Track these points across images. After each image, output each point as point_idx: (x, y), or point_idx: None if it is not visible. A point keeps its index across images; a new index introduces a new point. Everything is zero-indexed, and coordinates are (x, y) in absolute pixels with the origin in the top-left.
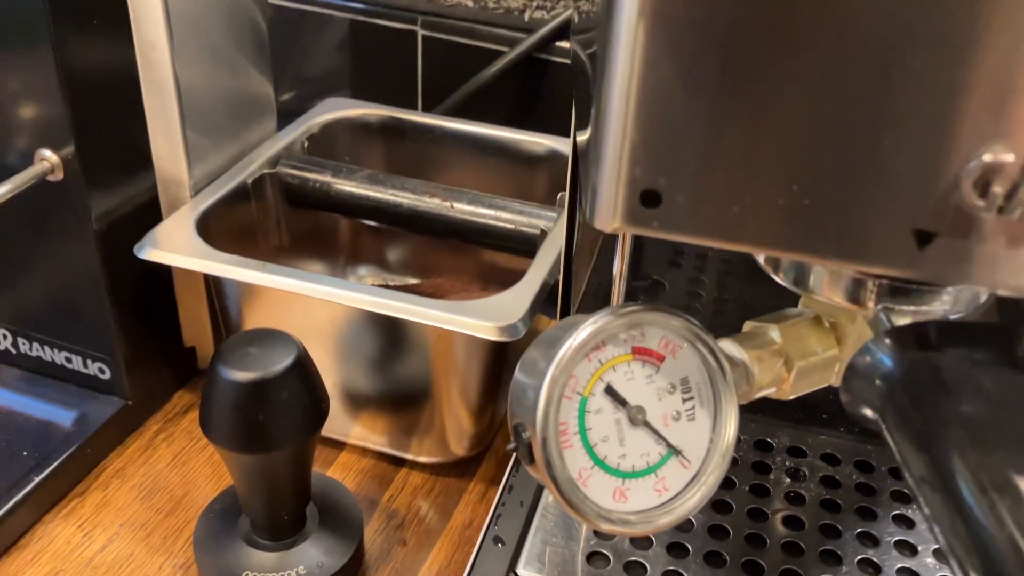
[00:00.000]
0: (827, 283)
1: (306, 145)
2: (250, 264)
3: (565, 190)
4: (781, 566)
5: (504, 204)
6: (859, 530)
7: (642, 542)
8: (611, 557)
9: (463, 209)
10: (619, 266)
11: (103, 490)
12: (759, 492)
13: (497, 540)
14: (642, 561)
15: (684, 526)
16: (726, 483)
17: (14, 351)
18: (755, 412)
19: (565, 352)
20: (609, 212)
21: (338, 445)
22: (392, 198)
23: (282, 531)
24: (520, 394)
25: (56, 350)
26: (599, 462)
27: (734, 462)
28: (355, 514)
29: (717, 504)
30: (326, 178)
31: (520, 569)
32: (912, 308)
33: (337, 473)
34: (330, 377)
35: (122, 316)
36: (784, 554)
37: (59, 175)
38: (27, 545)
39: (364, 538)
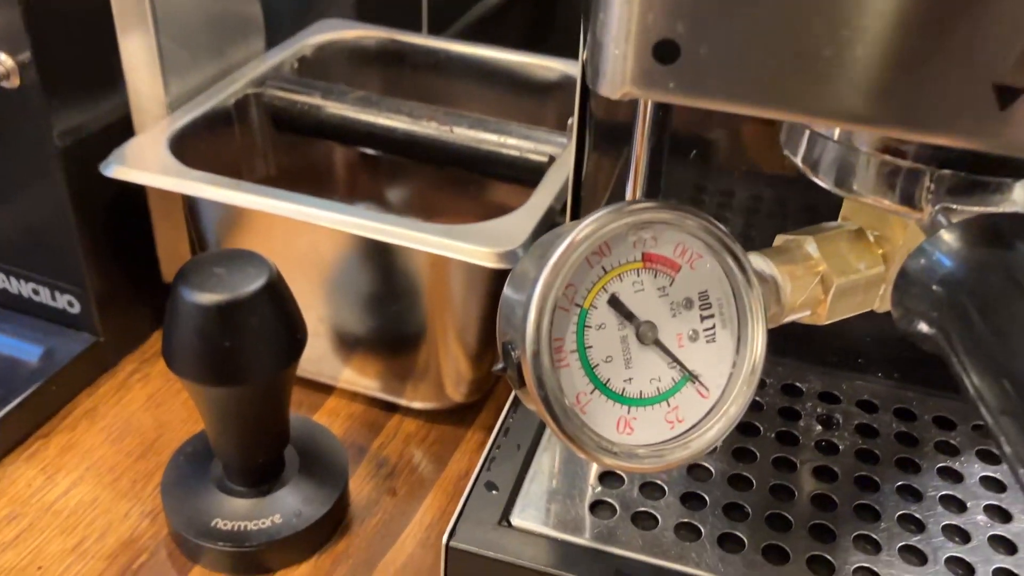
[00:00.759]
0: (876, 180)
1: (296, 67)
2: (225, 183)
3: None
4: (810, 520)
5: (509, 129)
6: (899, 483)
7: (653, 491)
8: (617, 507)
9: (464, 135)
10: (637, 152)
11: (70, 431)
12: (787, 440)
13: (490, 486)
14: (652, 512)
15: (701, 475)
16: (749, 430)
17: None
18: (782, 354)
19: (561, 253)
20: (617, 72)
21: (326, 389)
22: (386, 122)
23: (257, 476)
24: (509, 310)
25: (23, 281)
26: (601, 386)
27: (758, 407)
28: (339, 461)
29: (739, 452)
30: (315, 100)
31: (515, 518)
32: (977, 210)
33: (324, 419)
34: (316, 313)
35: (90, 244)
36: (813, 507)
37: (14, 82)
38: None
39: (350, 487)
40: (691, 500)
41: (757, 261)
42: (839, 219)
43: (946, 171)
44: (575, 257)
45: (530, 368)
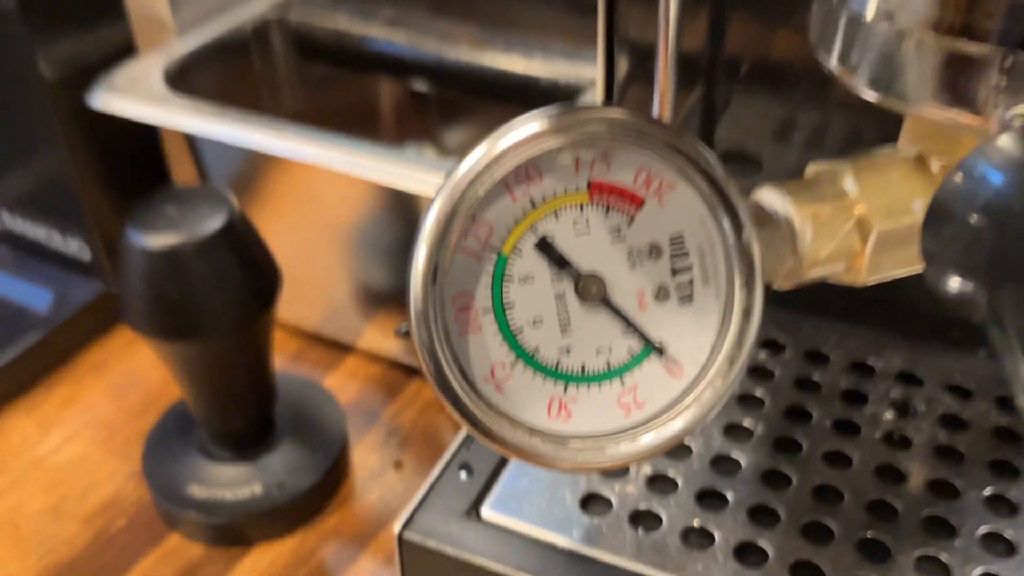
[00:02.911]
0: (926, 75)
1: None
2: (219, 115)
3: None
4: (860, 532)
5: (546, 50)
6: (988, 491)
7: (664, 485)
8: (614, 502)
9: (495, 59)
10: (663, 49)
11: (74, 385)
12: (846, 430)
13: (465, 468)
14: (657, 512)
15: (728, 467)
16: (799, 415)
17: (0, 227)
18: (855, 322)
19: (460, 178)
20: None
21: (345, 349)
22: (410, 47)
23: (239, 441)
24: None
25: (37, 225)
26: (526, 356)
27: (812, 387)
28: (336, 429)
29: (781, 443)
30: (340, 24)
31: (486, 509)
32: None
33: (339, 379)
34: (338, 268)
35: (96, 186)
36: (868, 516)
37: None
38: None
39: (351, 457)
40: (709, 498)
41: (770, 197)
42: (899, 143)
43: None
44: (485, 184)
45: (415, 331)
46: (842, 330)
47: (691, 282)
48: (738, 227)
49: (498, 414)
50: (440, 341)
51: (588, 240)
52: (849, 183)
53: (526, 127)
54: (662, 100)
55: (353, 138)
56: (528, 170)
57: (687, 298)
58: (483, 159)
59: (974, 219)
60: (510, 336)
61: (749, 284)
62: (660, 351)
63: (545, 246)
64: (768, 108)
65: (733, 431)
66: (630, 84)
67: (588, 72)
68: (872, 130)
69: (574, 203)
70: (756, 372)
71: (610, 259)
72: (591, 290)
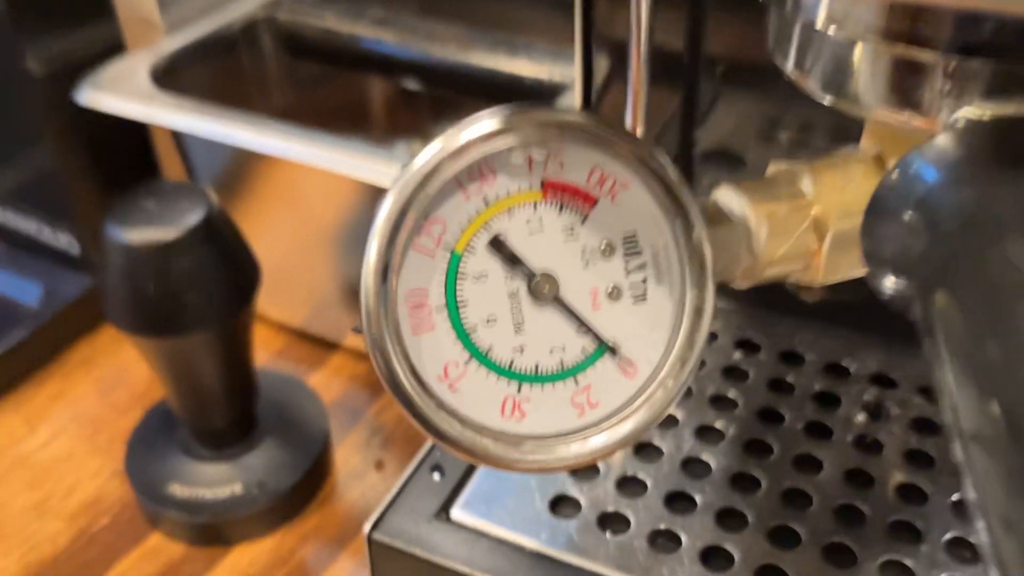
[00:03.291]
0: (875, 77)
1: None
2: (210, 113)
3: None
4: (827, 538)
5: (531, 50)
6: (956, 496)
7: (633, 487)
8: (583, 503)
9: (481, 58)
10: (635, 49)
11: (63, 380)
12: (818, 433)
13: (436, 469)
14: (625, 514)
15: (697, 471)
16: (771, 417)
17: None
18: (834, 323)
19: (412, 175)
20: None
21: (331, 346)
22: (399, 46)
23: (219, 439)
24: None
25: (27, 218)
26: (479, 355)
27: (786, 388)
28: (318, 428)
29: (752, 445)
30: (329, 23)
31: (455, 510)
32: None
33: (324, 377)
34: (323, 267)
35: (83, 181)
36: (835, 521)
37: None
38: None
39: (334, 456)
40: (678, 501)
41: (727, 196)
42: (861, 144)
43: (968, 59)
44: (438, 181)
45: (366, 328)
46: (818, 330)
47: (644, 281)
48: (688, 227)
49: (449, 414)
50: (392, 339)
51: (541, 238)
52: (806, 183)
53: (478, 126)
54: (635, 100)
55: (337, 136)
56: (481, 168)
57: (640, 297)
58: (435, 157)
59: (908, 216)
60: (463, 335)
61: (700, 283)
62: (613, 351)
63: (497, 244)
64: (751, 106)
65: (704, 433)
66: (611, 83)
67: (572, 71)
68: (857, 127)
69: (527, 201)
70: (730, 373)
71: (563, 258)
72: (544, 289)
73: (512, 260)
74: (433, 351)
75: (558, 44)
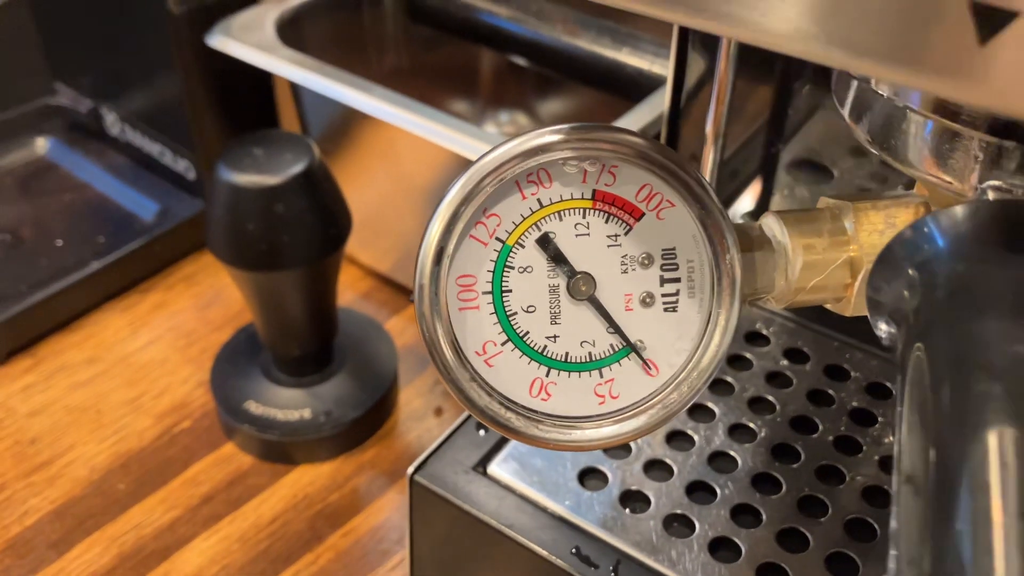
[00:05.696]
0: (919, 143)
1: None
2: (319, 69)
3: None
4: (833, 547)
5: (636, 40)
6: None
7: (660, 471)
8: (609, 478)
9: (587, 42)
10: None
11: (166, 292)
12: (847, 447)
13: (481, 426)
14: (647, 494)
15: (724, 465)
16: (804, 425)
17: (122, 139)
18: (881, 346)
19: (478, 169)
20: None
21: (411, 295)
22: (511, 21)
23: (297, 367)
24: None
25: (153, 141)
26: (516, 338)
27: (825, 400)
28: (388, 370)
29: (779, 448)
30: None
31: (493, 466)
32: None
33: (400, 322)
34: (410, 221)
35: (205, 114)
36: (844, 533)
37: None
38: (79, 328)
39: (399, 397)
40: (699, 491)
41: (771, 224)
42: (916, 187)
43: (996, 139)
44: (495, 181)
45: (418, 299)
46: (870, 353)
47: (677, 293)
48: (724, 250)
49: (480, 386)
50: (438, 313)
51: (587, 242)
52: (848, 221)
53: (542, 138)
54: (718, 107)
55: (440, 103)
56: (539, 174)
57: (671, 307)
58: (499, 159)
59: (909, 273)
60: (504, 319)
61: (728, 303)
62: (638, 351)
63: (544, 241)
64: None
65: (737, 431)
66: (705, 83)
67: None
68: None
69: (578, 207)
70: (774, 378)
71: (604, 262)
72: (581, 288)
73: (556, 258)
74: (475, 329)
75: (662, 37)
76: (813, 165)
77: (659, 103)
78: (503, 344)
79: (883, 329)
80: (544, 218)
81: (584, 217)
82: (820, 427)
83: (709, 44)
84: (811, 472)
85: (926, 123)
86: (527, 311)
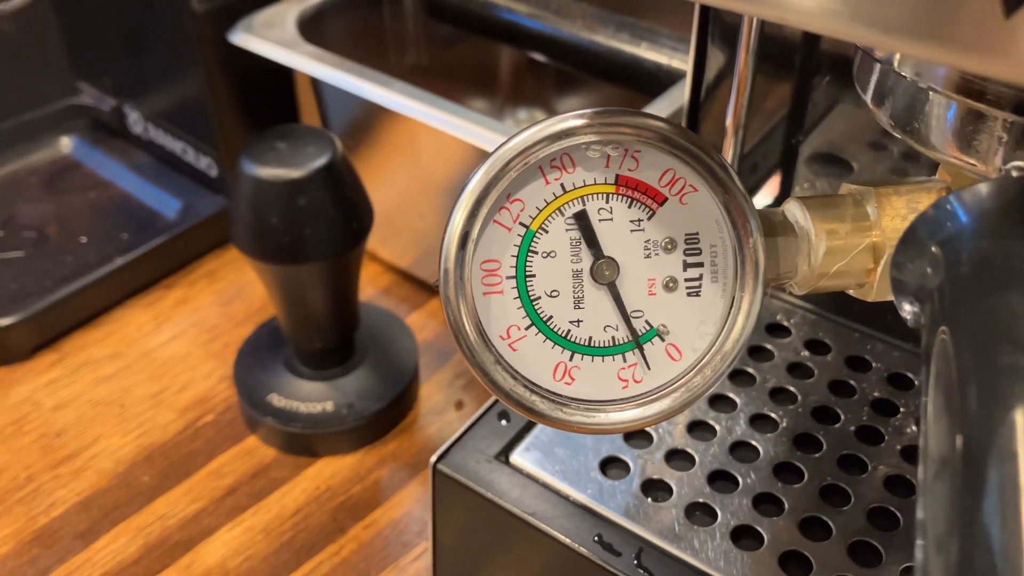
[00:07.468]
0: (940, 124)
1: None
2: (339, 65)
3: None
4: (855, 536)
5: (654, 35)
6: None
7: (682, 460)
8: (632, 467)
9: (605, 38)
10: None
11: (189, 288)
12: (869, 437)
13: (503, 416)
14: (669, 483)
15: (745, 455)
16: (826, 415)
17: (145, 137)
18: (903, 336)
19: (497, 157)
20: None
21: (431, 290)
22: (530, 18)
23: (319, 361)
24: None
25: (175, 139)
26: (540, 323)
27: (847, 390)
28: (410, 363)
29: (801, 438)
30: None
31: (515, 455)
32: None
33: (421, 317)
34: (431, 216)
35: (227, 111)
36: (867, 522)
37: None
38: (103, 324)
39: (420, 391)
40: (721, 480)
41: (793, 209)
42: (938, 172)
43: (1020, 119)
44: (519, 166)
45: (443, 284)
46: (892, 344)
47: (700, 278)
48: (747, 235)
49: (505, 369)
50: (463, 298)
51: (610, 226)
52: (871, 206)
53: (565, 122)
54: (738, 99)
55: (460, 99)
56: (563, 159)
57: (695, 292)
58: (522, 144)
59: (932, 251)
60: (528, 303)
61: (751, 287)
62: (661, 335)
63: (581, 218)
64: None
65: (759, 421)
66: (724, 77)
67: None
68: None
69: (600, 192)
70: (795, 368)
71: (628, 246)
72: (604, 272)
73: (588, 236)
74: (499, 313)
75: (681, 32)
76: (833, 158)
77: (678, 97)
78: (527, 328)
79: (907, 309)
80: (567, 203)
81: (607, 202)
82: (842, 417)
83: (729, 37)
84: (833, 462)
85: (950, 104)
86: (551, 296)
